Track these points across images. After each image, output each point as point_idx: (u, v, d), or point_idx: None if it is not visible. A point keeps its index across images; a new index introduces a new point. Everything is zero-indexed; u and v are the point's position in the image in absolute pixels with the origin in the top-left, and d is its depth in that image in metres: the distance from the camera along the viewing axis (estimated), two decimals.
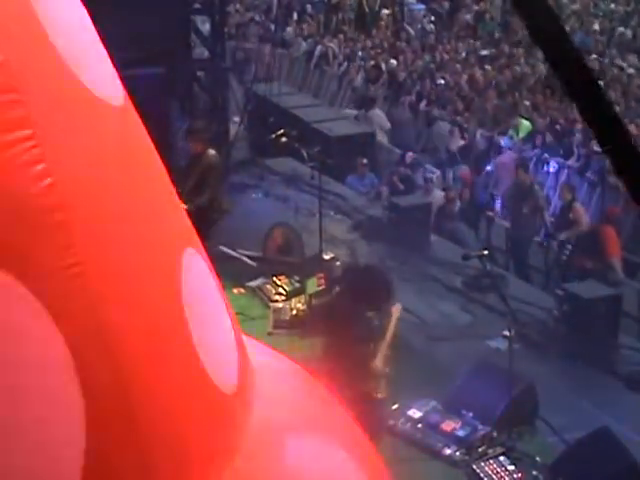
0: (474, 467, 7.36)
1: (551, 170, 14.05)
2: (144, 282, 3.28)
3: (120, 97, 3.53)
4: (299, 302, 9.51)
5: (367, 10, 23.16)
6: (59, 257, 2.96)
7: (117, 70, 3.61)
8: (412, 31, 21.86)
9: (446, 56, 19.58)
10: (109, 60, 3.60)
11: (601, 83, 16.37)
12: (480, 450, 7.53)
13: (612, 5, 23.14)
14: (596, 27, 21.43)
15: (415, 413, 7.89)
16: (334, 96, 18.73)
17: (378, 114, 16.44)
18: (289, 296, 9.72)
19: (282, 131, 11.33)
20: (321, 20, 23.15)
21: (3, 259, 2.88)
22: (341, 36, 21.32)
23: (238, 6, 23.31)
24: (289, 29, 21.75)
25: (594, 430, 7.40)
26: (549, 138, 14.67)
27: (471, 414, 7.84)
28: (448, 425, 7.77)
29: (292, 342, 8.76)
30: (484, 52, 19.84)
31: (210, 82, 13.95)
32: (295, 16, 22.87)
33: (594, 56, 18.54)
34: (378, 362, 6.67)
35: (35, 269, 2.94)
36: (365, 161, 14.00)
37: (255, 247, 10.71)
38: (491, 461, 7.38)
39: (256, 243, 10.73)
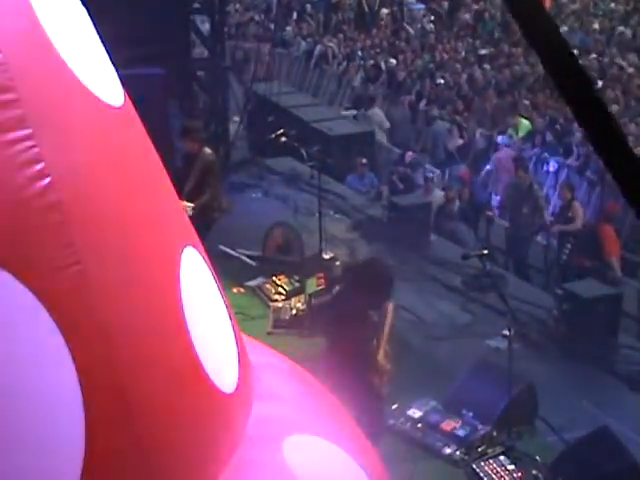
0: (474, 466, 7.35)
1: (551, 169, 14.04)
2: (143, 281, 3.28)
3: (120, 97, 3.53)
4: (299, 302, 9.50)
5: (367, 9, 23.18)
6: (58, 256, 2.96)
7: (117, 70, 3.61)
8: (412, 30, 21.86)
9: (446, 55, 19.59)
10: (109, 60, 3.60)
11: (600, 82, 16.41)
12: (480, 450, 7.53)
13: (612, 4, 23.14)
14: (596, 26, 21.43)
15: (415, 413, 7.88)
16: (334, 95, 18.73)
17: (377, 113, 16.44)
18: (289, 296, 9.71)
19: (282, 130, 11.32)
20: (321, 20, 23.16)
21: (2, 258, 2.88)
22: (341, 35, 21.33)
23: (238, 6, 23.33)
24: (289, 29, 21.76)
25: (594, 430, 7.39)
26: (549, 137, 14.67)
27: (471, 414, 7.83)
28: (448, 425, 7.77)
29: (292, 342, 8.75)
30: (483, 51, 19.84)
31: (210, 82, 13.95)
32: (295, 16, 22.88)
33: (594, 55, 18.54)
34: (381, 358, 6.68)
35: (34, 268, 2.94)
36: (364, 160, 13.99)
37: (255, 246, 10.71)
38: (491, 460, 7.38)
39: (256, 242, 10.73)
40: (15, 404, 2.92)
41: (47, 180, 2.94)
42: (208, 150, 10.20)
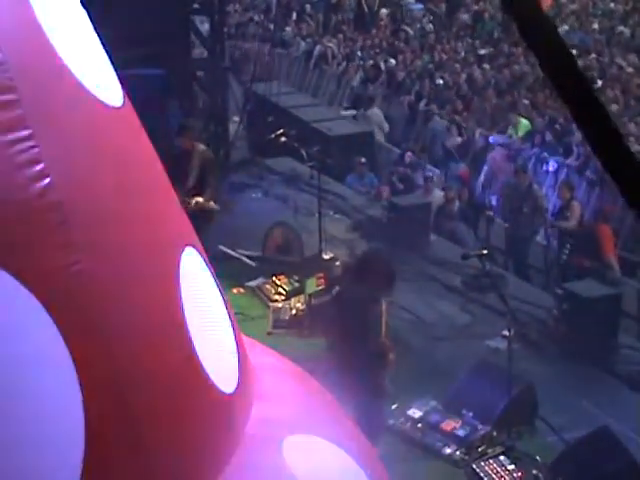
0: (474, 466, 7.35)
1: (550, 169, 14.04)
2: (143, 281, 3.28)
3: (119, 97, 3.53)
4: (298, 302, 9.50)
5: (366, 10, 23.16)
6: (58, 256, 2.96)
7: (116, 70, 3.61)
8: (411, 31, 21.86)
9: (445, 56, 19.58)
10: (108, 60, 3.61)
11: (600, 82, 16.41)
12: (480, 450, 7.53)
13: (611, 4, 23.14)
14: (595, 26, 21.43)
15: (415, 413, 7.88)
16: (333, 96, 18.73)
17: (377, 113, 16.44)
18: (288, 296, 9.71)
19: (281, 131, 11.33)
20: (320, 20, 23.15)
21: (2, 258, 2.88)
22: (340, 36, 21.32)
23: (237, 6, 23.32)
24: (288, 29, 21.75)
25: (594, 430, 7.39)
26: (548, 137, 14.66)
27: (471, 414, 7.83)
28: (448, 425, 7.77)
29: (291, 342, 8.75)
30: (483, 51, 19.84)
31: (209, 82, 13.94)
32: (294, 16, 22.87)
33: (593, 55, 18.54)
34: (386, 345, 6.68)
35: (34, 268, 2.94)
36: (363, 160, 13.98)
37: (254, 247, 10.71)
38: (491, 460, 7.38)
39: (255, 243, 10.73)
40: (15, 404, 2.92)
41: (47, 180, 2.94)
42: (202, 146, 10.22)
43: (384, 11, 23.06)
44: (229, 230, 10.80)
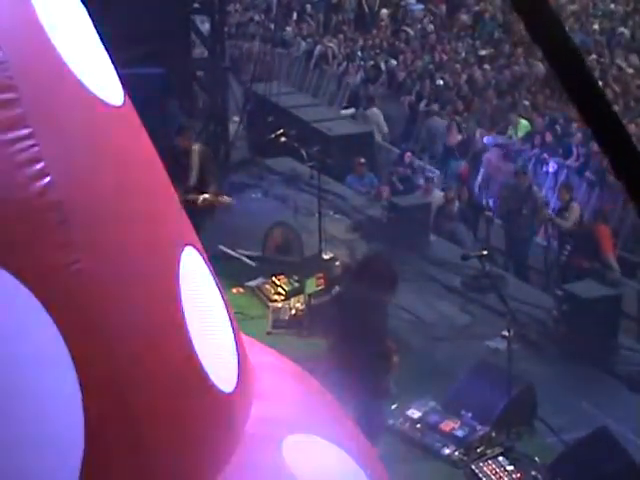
0: (473, 467, 7.35)
1: (550, 170, 14.04)
2: (143, 280, 3.27)
3: (120, 96, 3.53)
4: (298, 302, 9.50)
5: (367, 10, 23.16)
6: (58, 256, 2.96)
7: (117, 70, 3.61)
8: (412, 31, 21.85)
9: (445, 56, 19.58)
10: (109, 60, 3.60)
11: (600, 83, 16.40)
12: (479, 450, 7.52)
13: (612, 5, 23.14)
14: (596, 27, 21.44)
15: (414, 413, 7.88)
16: (333, 96, 18.72)
17: (376, 113, 16.44)
18: (288, 296, 9.71)
19: (281, 131, 11.32)
20: (321, 20, 23.14)
21: (2, 258, 2.88)
22: (341, 36, 21.31)
23: (237, 6, 23.31)
24: (289, 29, 21.75)
25: (593, 430, 7.39)
26: (548, 138, 14.66)
27: (470, 414, 7.83)
28: (447, 425, 7.76)
29: (291, 342, 8.75)
30: (483, 52, 19.84)
31: (209, 82, 13.94)
32: (295, 16, 22.85)
33: (594, 56, 18.54)
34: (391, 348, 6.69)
35: (34, 267, 2.94)
36: (363, 160, 13.97)
37: (254, 247, 10.71)
38: (490, 461, 7.37)
39: (255, 243, 10.73)
40: (15, 404, 2.92)
41: (47, 179, 2.94)
42: (200, 146, 10.23)
43: (385, 11, 23.06)
44: (229, 230, 10.80)
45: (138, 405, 3.11)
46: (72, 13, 3.49)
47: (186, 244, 3.63)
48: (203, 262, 3.76)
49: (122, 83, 3.59)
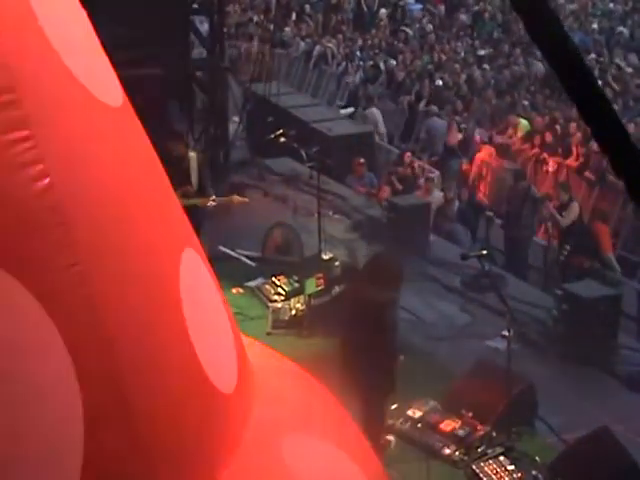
0: (473, 467, 7.34)
1: (550, 170, 14.04)
2: (143, 281, 3.27)
3: (119, 97, 3.53)
4: (298, 302, 9.49)
5: (366, 10, 23.18)
6: (58, 256, 2.96)
7: (116, 70, 3.61)
8: (410, 31, 21.87)
9: (444, 56, 19.59)
10: (108, 60, 3.61)
11: (600, 82, 16.41)
12: (479, 450, 7.51)
13: (611, 4, 23.17)
14: (595, 26, 21.46)
15: (414, 413, 7.87)
16: (333, 96, 18.73)
17: (374, 113, 16.44)
18: (288, 296, 9.70)
19: (281, 131, 11.31)
20: (320, 20, 23.15)
21: (2, 258, 2.88)
22: (340, 36, 21.33)
23: (236, 6, 23.32)
24: (288, 29, 21.76)
25: (593, 430, 7.38)
26: (548, 137, 14.66)
27: (470, 414, 7.83)
28: (447, 425, 7.76)
29: (291, 342, 8.75)
30: (482, 52, 19.86)
31: (209, 82, 13.93)
32: (294, 16, 22.87)
33: (593, 55, 18.56)
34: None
35: (34, 268, 2.94)
36: (362, 160, 13.96)
37: (254, 247, 10.71)
38: (490, 461, 7.36)
39: (255, 243, 10.73)
40: (15, 404, 2.92)
41: (47, 180, 2.94)
42: (197, 152, 10.34)
43: (383, 11, 23.08)
44: (229, 230, 10.79)
45: (138, 405, 3.11)
46: (72, 14, 3.49)
47: (186, 245, 3.63)
48: (203, 263, 3.76)
49: (122, 84, 3.59)
